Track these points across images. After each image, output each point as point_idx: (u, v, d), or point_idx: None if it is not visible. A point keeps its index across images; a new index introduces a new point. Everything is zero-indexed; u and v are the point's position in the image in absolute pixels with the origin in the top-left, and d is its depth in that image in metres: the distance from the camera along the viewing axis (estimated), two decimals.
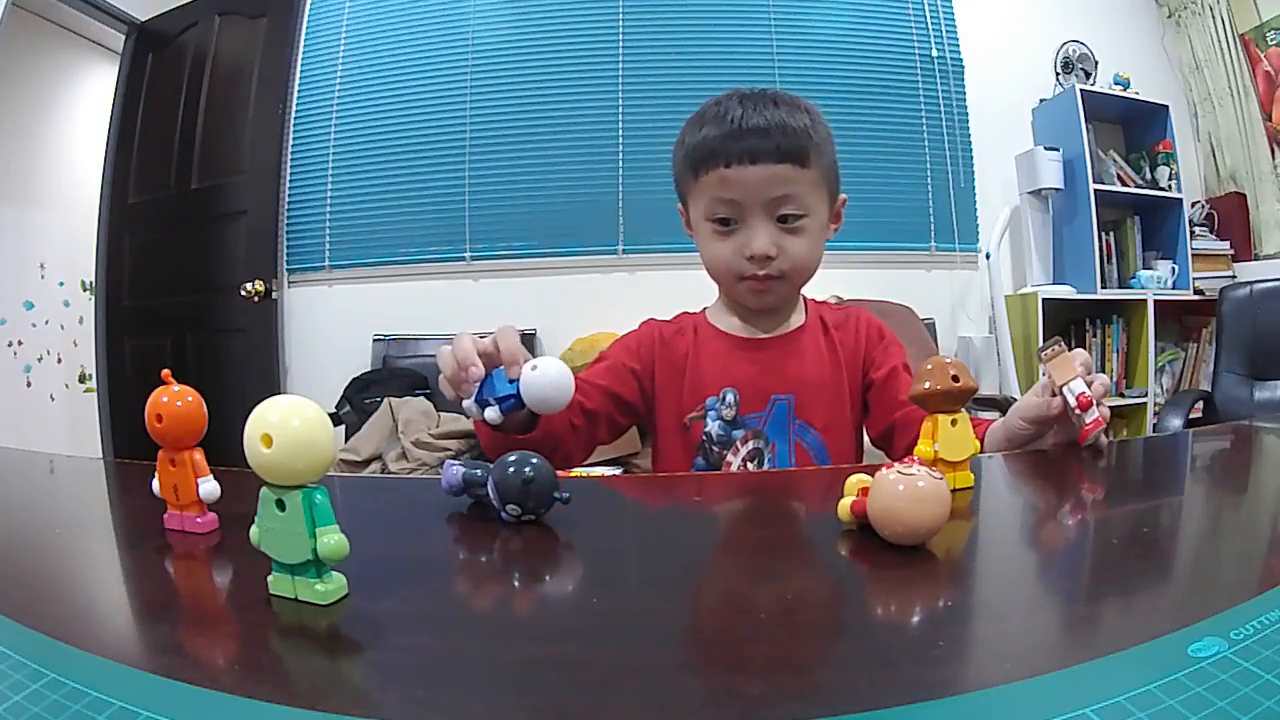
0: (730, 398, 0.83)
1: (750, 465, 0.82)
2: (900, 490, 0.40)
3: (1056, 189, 2.78)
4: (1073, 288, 2.77)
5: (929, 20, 2.86)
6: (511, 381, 0.59)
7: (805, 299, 0.93)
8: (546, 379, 0.58)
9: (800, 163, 0.78)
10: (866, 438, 0.90)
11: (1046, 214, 2.89)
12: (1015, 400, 2.65)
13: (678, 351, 0.88)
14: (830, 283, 2.61)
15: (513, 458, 0.48)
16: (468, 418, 0.64)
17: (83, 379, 3.28)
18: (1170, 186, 2.88)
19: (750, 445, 0.83)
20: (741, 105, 0.79)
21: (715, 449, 0.83)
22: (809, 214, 0.80)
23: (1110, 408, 0.67)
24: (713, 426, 0.83)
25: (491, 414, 0.60)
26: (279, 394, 0.35)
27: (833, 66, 2.76)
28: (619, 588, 0.41)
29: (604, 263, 2.70)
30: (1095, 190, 2.72)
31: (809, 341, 0.89)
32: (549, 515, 0.48)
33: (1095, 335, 2.83)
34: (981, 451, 0.76)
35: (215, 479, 0.47)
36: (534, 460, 0.48)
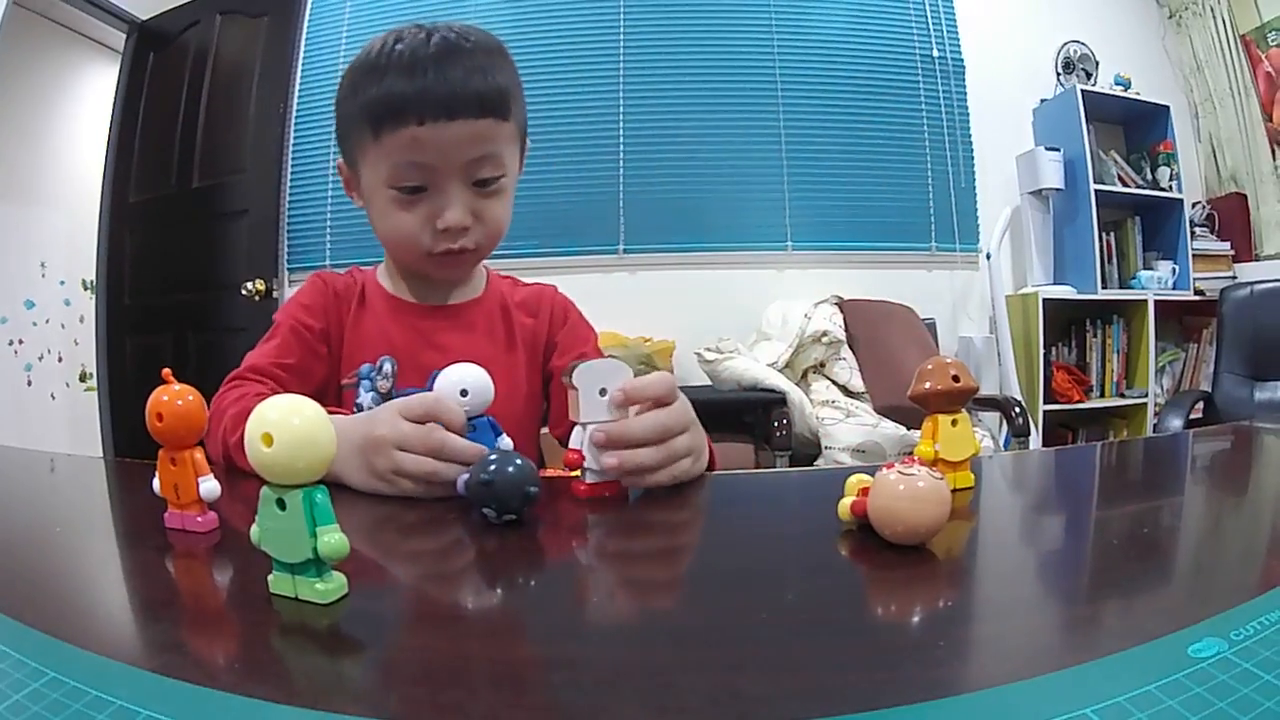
0: (388, 368, 0.73)
1: None
2: (900, 490, 0.40)
3: (1057, 189, 2.78)
4: (1073, 288, 2.77)
5: (929, 20, 2.85)
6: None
7: (488, 270, 0.84)
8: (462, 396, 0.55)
9: (503, 115, 0.69)
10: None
11: (1047, 214, 2.89)
12: (1016, 400, 2.59)
13: (344, 308, 0.79)
14: (831, 283, 2.63)
15: (490, 458, 0.47)
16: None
17: (83, 378, 3.28)
18: (1171, 187, 2.88)
19: None
20: (432, 48, 0.67)
21: None
22: (506, 173, 0.72)
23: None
24: (365, 399, 0.73)
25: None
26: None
27: (833, 66, 2.76)
28: (619, 588, 0.41)
29: (604, 263, 2.70)
30: (1096, 190, 2.72)
31: (481, 317, 0.80)
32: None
33: (1095, 335, 2.83)
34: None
35: (216, 478, 0.47)
36: (494, 462, 0.46)
